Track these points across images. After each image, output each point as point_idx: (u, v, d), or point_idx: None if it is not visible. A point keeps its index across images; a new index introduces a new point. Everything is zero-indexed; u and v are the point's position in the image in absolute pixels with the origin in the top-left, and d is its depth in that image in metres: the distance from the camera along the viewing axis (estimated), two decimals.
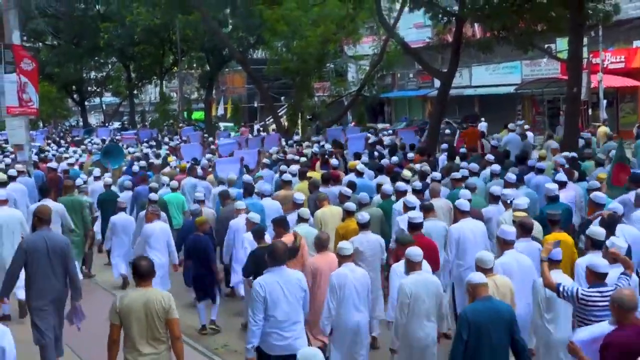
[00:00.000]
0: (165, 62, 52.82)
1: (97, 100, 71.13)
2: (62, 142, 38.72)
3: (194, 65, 54.50)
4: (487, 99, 44.64)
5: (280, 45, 35.56)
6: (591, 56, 34.64)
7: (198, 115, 55.48)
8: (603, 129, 25.72)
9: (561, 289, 7.36)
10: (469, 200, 11.12)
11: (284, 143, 26.83)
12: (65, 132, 52.29)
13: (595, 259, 7.57)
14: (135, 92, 57.99)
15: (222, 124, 51.76)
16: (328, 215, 11.70)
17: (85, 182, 17.60)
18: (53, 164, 21.34)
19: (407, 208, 10.97)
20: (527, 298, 8.39)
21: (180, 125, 44.01)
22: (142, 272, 7.33)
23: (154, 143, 32.24)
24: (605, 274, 7.18)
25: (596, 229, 8.62)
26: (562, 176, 13.04)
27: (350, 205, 11.36)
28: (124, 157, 23.94)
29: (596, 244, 8.32)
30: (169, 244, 12.48)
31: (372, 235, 10.46)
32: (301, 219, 11.15)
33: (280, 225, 10.56)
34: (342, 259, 8.91)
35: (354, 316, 8.80)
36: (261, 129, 44.65)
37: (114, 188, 17.17)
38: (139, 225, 13.53)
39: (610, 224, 9.35)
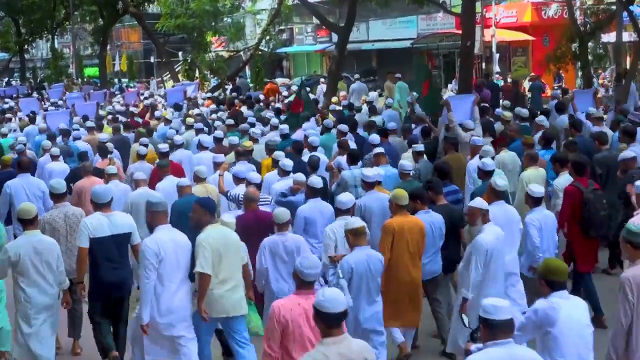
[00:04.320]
0: (56, 16, 50.95)
1: None
2: None
3: (87, 19, 52.85)
4: (384, 54, 45.08)
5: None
6: (484, 11, 35.33)
7: (92, 71, 54.02)
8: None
9: (229, 194, 10.67)
10: (221, 139, 14.69)
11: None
12: None
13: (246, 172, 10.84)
14: (26, 47, 55.89)
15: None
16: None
17: None
18: None
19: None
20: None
21: (75, 81, 42.78)
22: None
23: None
24: (244, 179, 10.45)
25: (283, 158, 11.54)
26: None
27: (143, 140, 14.79)
28: None
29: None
30: None
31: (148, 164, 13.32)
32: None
33: (101, 152, 14.27)
34: (109, 177, 11.74)
35: None
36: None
37: None
38: None
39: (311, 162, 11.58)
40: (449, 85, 23.76)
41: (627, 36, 30.49)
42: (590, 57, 23.09)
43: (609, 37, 30.24)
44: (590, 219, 9.50)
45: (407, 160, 11.35)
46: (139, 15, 38.59)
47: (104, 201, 8.47)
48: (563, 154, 11.21)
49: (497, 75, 33.73)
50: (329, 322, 5.27)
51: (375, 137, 13.13)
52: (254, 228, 9.13)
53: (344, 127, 14.26)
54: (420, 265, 8.56)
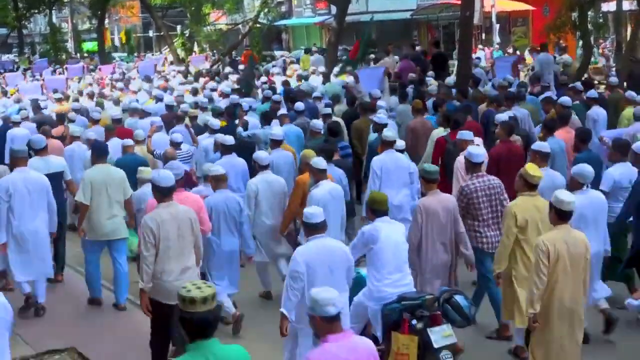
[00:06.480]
0: None
1: None
2: None
3: None
4: (384, 25, 44.76)
5: None
6: None
7: (91, 46, 53.70)
8: None
9: (155, 153, 12.35)
10: (172, 106, 16.56)
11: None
12: None
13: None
14: (24, 22, 55.54)
15: (116, 55, 50.33)
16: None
17: None
18: None
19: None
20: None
21: (73, 56, 42.65)
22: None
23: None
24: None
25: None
26: None
27: (98, 108, 17.64)
28: None
29: None
30: None
31: None
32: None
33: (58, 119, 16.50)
34: (72, 139, 13.80)
35: None
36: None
37: None
38: None
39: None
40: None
41: (628, 5, 30.31)
42: (590, 27, 22.92)
43: (608, 7, 30.06)
44: (447, 165, 11.06)
45: (318, 121, 13.54)
46: None
47: (39, 147, 10.76)
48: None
49: (497, 46, 33.56)
50: (162, 193, 7.59)
51: (299, 105, 15.34)
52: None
53: (276, 97, 17.00)
54: None
